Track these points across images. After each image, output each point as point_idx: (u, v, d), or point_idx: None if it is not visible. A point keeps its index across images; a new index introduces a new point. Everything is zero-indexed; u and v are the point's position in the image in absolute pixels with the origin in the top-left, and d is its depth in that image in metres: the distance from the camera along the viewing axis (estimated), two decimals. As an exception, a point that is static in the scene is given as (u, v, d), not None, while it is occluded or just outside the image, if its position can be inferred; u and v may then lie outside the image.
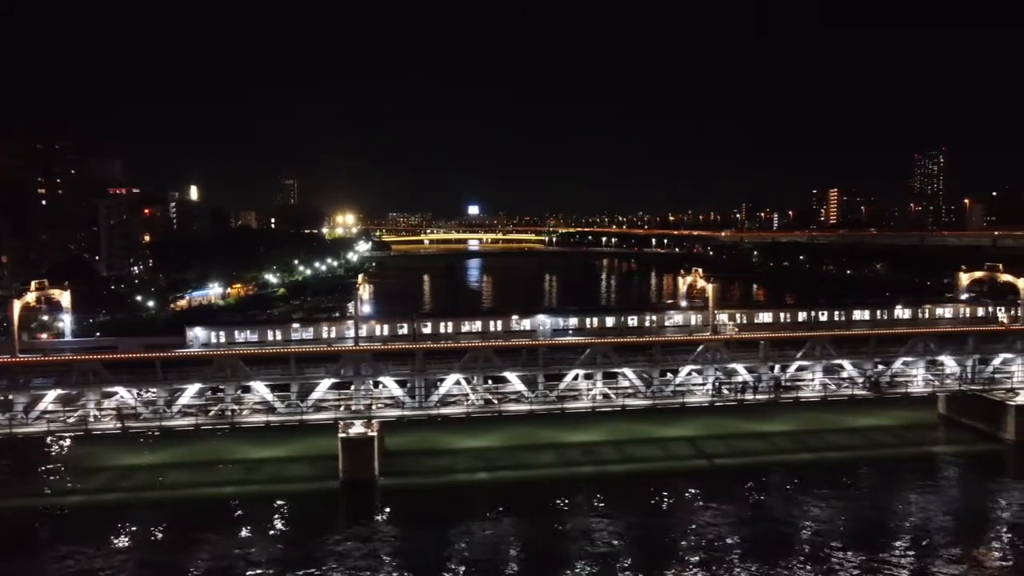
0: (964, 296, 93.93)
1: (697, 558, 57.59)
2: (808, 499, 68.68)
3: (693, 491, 70.52)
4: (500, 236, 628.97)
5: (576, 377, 78.61)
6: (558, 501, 68.63)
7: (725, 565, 56.24)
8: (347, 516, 68.11)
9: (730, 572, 55.29)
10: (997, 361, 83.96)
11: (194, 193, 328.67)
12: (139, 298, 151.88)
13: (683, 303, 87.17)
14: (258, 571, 55.79)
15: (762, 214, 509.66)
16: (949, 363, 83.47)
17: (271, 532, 62.97)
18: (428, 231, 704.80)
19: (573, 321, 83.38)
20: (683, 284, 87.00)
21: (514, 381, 76.48)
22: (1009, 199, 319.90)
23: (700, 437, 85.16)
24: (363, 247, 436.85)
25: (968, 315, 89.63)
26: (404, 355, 75.73)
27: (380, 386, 75.13)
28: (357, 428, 72.03)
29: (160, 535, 62.33)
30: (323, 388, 73.18)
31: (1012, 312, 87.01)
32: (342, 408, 73.75)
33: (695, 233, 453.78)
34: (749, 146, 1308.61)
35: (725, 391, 79.37)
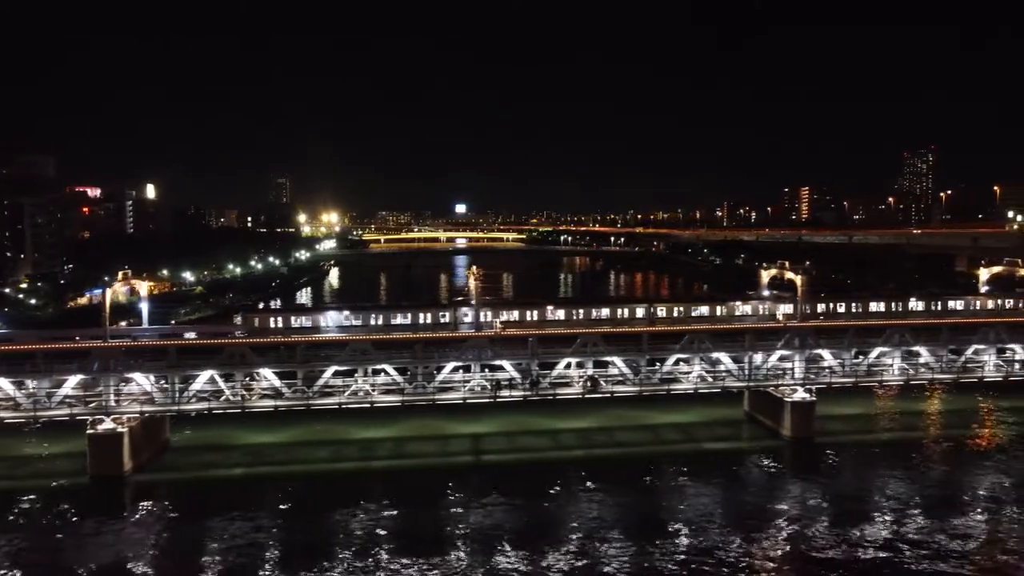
0: (765, 293, 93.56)
1: (469, 551, 57.76)
2: (582, 495, 68.78)
3: (466, 488, 70.09)
4: (482, 235, 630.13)
5: (371, 374, 78.86)
6: (311, 496, 68.88)
7: (494, 559, 56.32)
8: (85, 512, 68.30)
9: (495, 566, 55.33)
10: (774, 358, 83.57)
11: (151, 192, 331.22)
12: (20, 297, 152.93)
13: (472, 300, 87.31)
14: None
15: (720, 211, 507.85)
16: (725, 360, 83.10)
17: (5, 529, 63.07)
18: (417, 229, 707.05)
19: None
20: (471, 282, 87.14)
21: (270, 377, 76.91)
22: (960, 197, 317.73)
23: (488, 434, 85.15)
24: (328, 244, 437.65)
25: (756, 312, 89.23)
26: (158, 351, 76.44)
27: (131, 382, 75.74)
28: (107, 424, 72.77)
29: None
30: (71, 384, 73.82)
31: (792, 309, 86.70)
32: (93, 404, 74.24)
33: (662, 231, 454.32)
34: (752, 146, 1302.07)
35: (488, 387, 79.46)
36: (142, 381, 75.19)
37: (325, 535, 60.82)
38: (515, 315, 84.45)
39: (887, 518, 63.75)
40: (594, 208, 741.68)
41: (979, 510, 65.79)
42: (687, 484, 71.78)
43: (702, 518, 63.95)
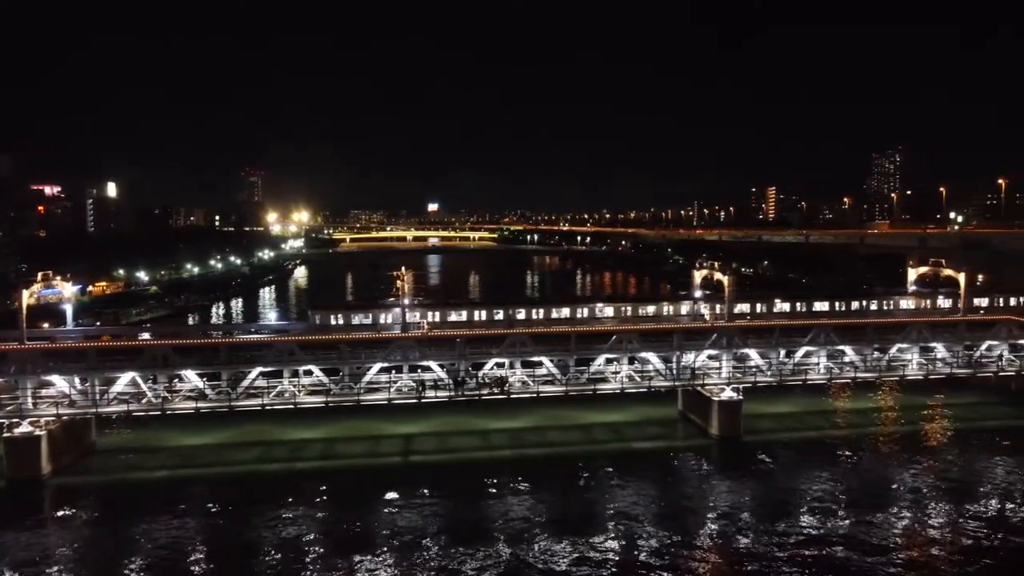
0: (698, 293, 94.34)
1: (398, 550, 57.35)
2: (512, 495, 68.53)
3: (395, 488, 69.47)
4: (454, 234, 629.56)
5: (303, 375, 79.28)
6: (240, 497, 68.05)
7: (423, 558, 56.16)
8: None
9: (424, 565, 55.14)
10: (702, 357, 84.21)
11: (112, 190, 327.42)
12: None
13: (395, 301, 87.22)
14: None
15: (688, 210, 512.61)
16: (654, 360, 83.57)
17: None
18: (389, 228, 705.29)
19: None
20: (401, 283, 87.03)
21: (193, 379, 76.28)
22: (922, 197, 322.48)
23: (419, 435, 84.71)
24: (296, 243, 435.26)
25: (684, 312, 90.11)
26: (78, 353, 75.49)
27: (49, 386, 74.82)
28: (24, 427, 71.82)
29: None
30: (-13, 387, 72.81)
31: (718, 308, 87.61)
32: (10, 408, 73.19)
33: (629, 231, 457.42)
34: (752, 146, 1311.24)
35: (414, 388, 79.42)
36: (61, 384, 74.19)
37: (252, 536, 60.28)
38: (565, 312, 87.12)
39: (809, 515, 64.36)
40: (593, 208, 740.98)
41: (903, 505, 66.71)
42: (615, 483, 71.89)
43: (627, 515, 64.23)
